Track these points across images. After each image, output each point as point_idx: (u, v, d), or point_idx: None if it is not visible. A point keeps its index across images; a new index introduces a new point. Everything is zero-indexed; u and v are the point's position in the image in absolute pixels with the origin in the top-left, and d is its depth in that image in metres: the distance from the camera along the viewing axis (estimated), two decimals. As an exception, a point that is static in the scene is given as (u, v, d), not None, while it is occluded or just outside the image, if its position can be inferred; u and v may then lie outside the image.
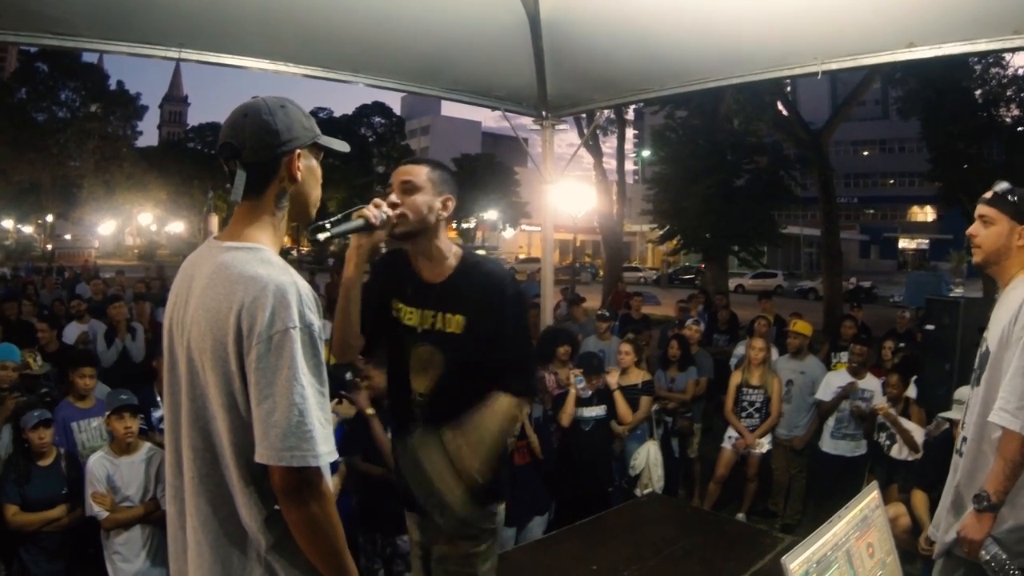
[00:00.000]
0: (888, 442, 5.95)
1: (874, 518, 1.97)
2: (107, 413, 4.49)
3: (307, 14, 4.77)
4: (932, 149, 23.56)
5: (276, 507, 1.81)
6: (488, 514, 2.73)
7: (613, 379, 6.12)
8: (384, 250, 2.82)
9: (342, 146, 2.16)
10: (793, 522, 6.82)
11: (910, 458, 5.75)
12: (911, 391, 6.34)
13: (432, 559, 2.74)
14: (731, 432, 7.04)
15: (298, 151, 1.96)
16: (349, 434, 4.99)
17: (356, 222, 2.49)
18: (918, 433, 5.76)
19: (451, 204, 2.72)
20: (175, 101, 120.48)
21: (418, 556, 2.89)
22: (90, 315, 8.85)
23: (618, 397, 6.27)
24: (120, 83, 62.26)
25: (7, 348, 5.52)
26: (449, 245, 2.75)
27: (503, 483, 2.79)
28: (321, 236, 2.35)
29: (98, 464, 4.40)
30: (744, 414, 6.96)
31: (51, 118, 53.68)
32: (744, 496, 7.03)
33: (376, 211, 2.52)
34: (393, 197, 2.63)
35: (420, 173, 2.67)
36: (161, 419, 4.76)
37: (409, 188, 2.63)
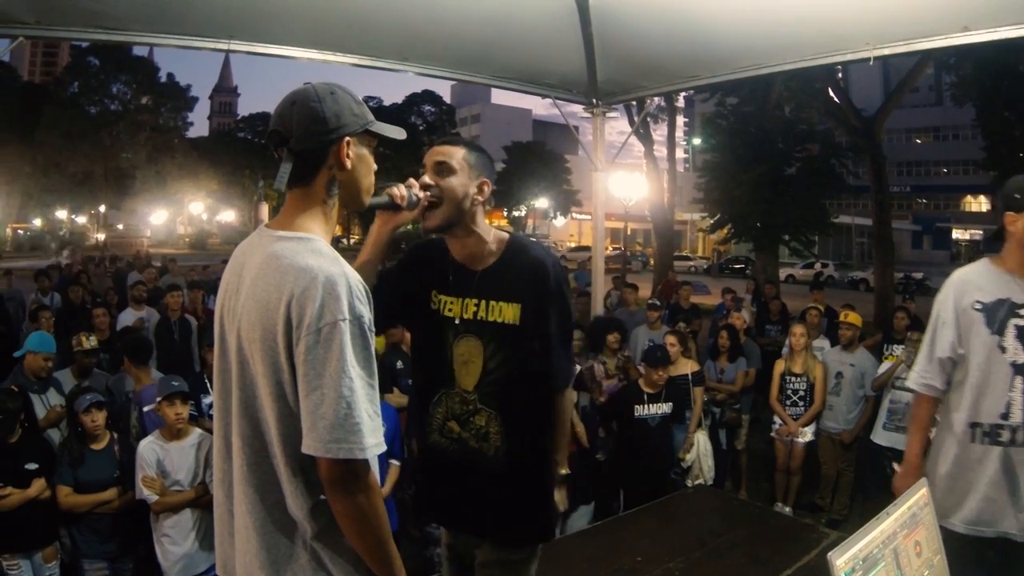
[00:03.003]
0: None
1: (923, 515, 1.92)
2: (158, 399, 4.55)
3: (354, 3, 4.79)
4: (987, 136, 22.87)
5: (322, 496, 1.80)
6: (531, 531, 2.58)
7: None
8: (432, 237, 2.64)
9: (397, 132, 2.10)
10: (840, 517, 6.75)
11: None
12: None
13: (474, 563, 2.60)
14: (777, 420, 7.03)
15: (347, 139, 1.93)
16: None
17: (380, 197, 2.33)
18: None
19: (487, 188, 2.53)
20: (225, 92, 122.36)
21: (447, 558, 2.78)
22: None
23: None
24: (170, 75, 63.37)
25: (44, 339, 5.56)
26: (488, 230, 2.57)
27: (550, 501, 2.63)
28: None
29: (148, 449, 4.46)
30: (788, 403, 6.92)
31: (103, 111, 54.98)
32: (788, 488, 6.99)
33: (405, 191, 2.38)
34: (426, 178, 2.46)
35: (456, 154, 2.47)
36: (211, 405, 4.81)
37: (444, 169, 2.46)
